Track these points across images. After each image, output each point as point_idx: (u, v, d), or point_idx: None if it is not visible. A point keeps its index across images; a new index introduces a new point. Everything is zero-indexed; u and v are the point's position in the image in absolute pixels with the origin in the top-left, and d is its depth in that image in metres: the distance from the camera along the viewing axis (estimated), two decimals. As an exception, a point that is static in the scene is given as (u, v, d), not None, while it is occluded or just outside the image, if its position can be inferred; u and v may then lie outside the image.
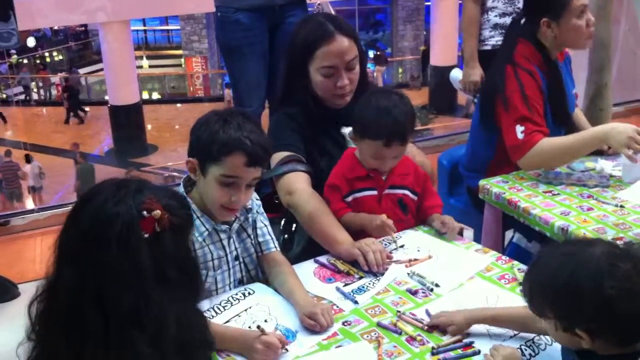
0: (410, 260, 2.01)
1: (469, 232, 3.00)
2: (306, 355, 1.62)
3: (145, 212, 1.21)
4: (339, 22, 2.28)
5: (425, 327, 1.70)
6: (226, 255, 1.91)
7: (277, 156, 2.24)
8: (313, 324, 1.69)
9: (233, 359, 1.61)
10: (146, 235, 1.20)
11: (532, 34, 2.61)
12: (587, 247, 1.36)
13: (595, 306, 1.29)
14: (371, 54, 21.77)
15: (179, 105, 19.28)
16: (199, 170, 1.83)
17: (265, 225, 2.01)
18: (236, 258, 1.94)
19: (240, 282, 1.96)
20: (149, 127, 15.54)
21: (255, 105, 3.41)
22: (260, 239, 1.98)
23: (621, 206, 2.25)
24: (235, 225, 1.93)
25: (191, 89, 19.99)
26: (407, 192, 2.23)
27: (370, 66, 21.35)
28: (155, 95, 20.32)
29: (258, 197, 2.04)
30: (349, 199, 2.18)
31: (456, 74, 3.50)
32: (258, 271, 2.00)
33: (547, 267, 1.39)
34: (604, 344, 1.33)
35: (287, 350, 1.62)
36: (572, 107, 2.80)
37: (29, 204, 12.04)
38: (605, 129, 2.42)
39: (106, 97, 15.84)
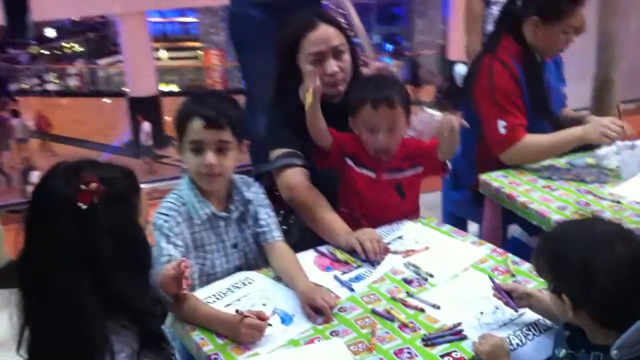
0: (407, 251, 2.07)
1: (473, 227, 3.05)
2: (280, 348, 1.67)
3: (82, 186, 1.32)
4: (323, 13, 2.39)
5: (422, 317, 1.76)
6: (223, 241, 1.99)
7: (275, 153, 2.32)
8: (312, 315, 1.77)
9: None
10: (83, 207, 1.31)
11: (518, 28, 2.67)
12: (599, 223, 1.47)
13: (578, 274, 1.36)
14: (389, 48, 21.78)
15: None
16: (180, 147, 1.97)
17: (270, 216, 2.07)
18: (234, 246, 2.02)
19: (239, 269, 2.03)
20: (167, 119, 15.66)
21: (265, 98, 3.46)
22: (265, 229, 2.04)
23: (618, 202, 2.30)
24: (235, 214, 2.01)
25: (209, 81, 20.11)
26: (409, 172, 2.25)
27: (387, 60, 21.36)
28: (174, 88, 20.46)
29: (263, 191, 2.11)
30: (350, 162, 2.23)
31: (460, 69, 3.54)
32: (258, 260, 2.07)
33: (556, 232, 1.50)
34: (587, 319, 1.40)
35: (270, 324, 1.70)
36: (559, 104, 2.86)
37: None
38: (583, 126, 2.57)
39: (125, 89, 15.98)
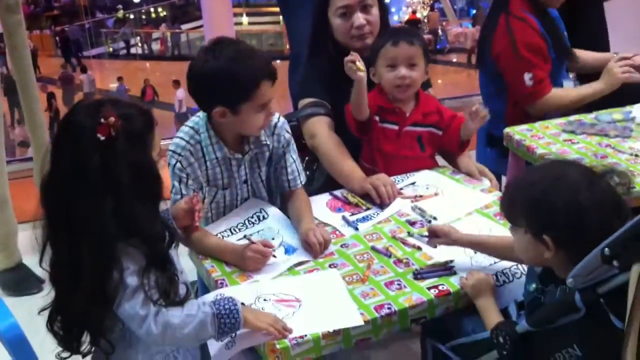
0: (416, 197, 2.17)
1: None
2: (280, 276, 1.81)
3: (102, 119, 1.46)
4: None
5: (418, 254, 1.87)
6: (234, 178, 2.10)
7: (302, 102, 2.46)
8: (309, 250, 1.90)
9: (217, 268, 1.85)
10: (102, 139, 1.45)
11: None
12: (567, 166, 1.53)
13: (567, 214, 1.42)
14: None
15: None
16: (229, 113, 1.96)
17: (294, 161, 2.18)
18: (245, 182, 2.13)
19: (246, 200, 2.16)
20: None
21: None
22: (290, 177, 2.15)
23: (636, 155, 2.32)
24: (247, 157, 2.10)
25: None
26: (429, 129, 2.34)
27: (468, 25, 21.01)
28: (254, 52, 20.71)
29: (289, 131, 2.18)
30: (376, 117, 2.32)
31: None
32: (264, 197, 2.18)
33: (528, 180, 1.55)
34: (565, 258, 1.45)
35: (275, 256, 1.85)
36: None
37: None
38: (601, 81, 2.69)
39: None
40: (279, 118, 2.15)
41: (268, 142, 2.13)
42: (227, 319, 1.53)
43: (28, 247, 2.94)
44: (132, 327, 1.52)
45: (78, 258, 1.49)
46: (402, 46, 2.26)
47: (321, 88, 2.47)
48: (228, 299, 1.57)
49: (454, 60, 19.48)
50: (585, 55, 2.99)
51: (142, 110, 1.58)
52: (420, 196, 2.18)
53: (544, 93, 2.71)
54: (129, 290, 1.49)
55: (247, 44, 2.05)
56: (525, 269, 1.77)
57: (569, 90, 2.76)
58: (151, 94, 16.37)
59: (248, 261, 1.82)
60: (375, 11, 2.43)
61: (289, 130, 2.18)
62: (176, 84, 14.91)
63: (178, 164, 1.99)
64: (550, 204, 1.45)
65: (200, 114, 2.06)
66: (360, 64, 2.15)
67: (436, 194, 2.19)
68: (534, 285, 1.56)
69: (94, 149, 1.46)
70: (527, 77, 2.70)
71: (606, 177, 1.47)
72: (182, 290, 1.58)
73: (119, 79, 16.56)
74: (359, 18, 2.39)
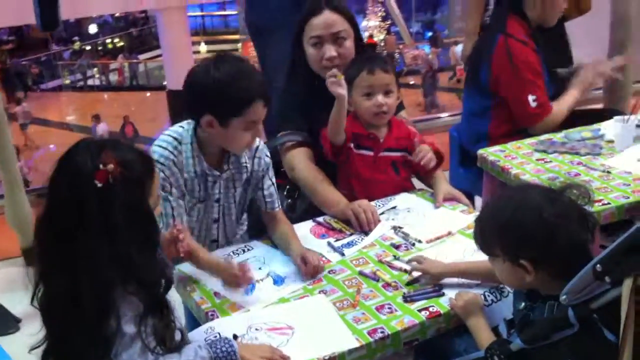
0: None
1: (479, 202, 3.14)
2: (271, 305, 1.82)
3: (101, 165, 1.43)
4: (332, 1, 2.46)
5: (405, 277, 1.89)
6: (208, 194, 2.12)
7: (280, 133, 2.49)
8: (304, 267, 1.92)
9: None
10: (99, 185, 1.42)
11: (520, 8, 2.86)
12: (527, 189, 1.59)
13: (537, 233, 1.46)
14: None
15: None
16: (217, 124, 1.98)
17: (273, 184, 2.21)
18: (217, 201, 2.15)
19: (215, 222, 2.19)
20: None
21: (281, 82, 3.58)
22: (268, 199, 2.19)
23: (608, 172, 2.38)
24: (225, 175, 2.12)
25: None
26: (403, 153, 2.38)
27: (425, 48, 21.31)
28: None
29: (269, 155, 2.21)
30: (351, 144, 2.35)
31: (460, 49, 3.65)
32: (233, 216, 2.22)
33: (492, 209, 1.60)
34: (545, 277, 1.49)
35: (257, 281, 1.90)
36: None
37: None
38: (575, 89, 2.93)
39: (165, 83, 16.29)
40: (259, 142, 2.18)
41: (247, 165, 2.15)
42: None
43: (3, 286, 2.89)
44: None
45: (74, 298, 1.46)
46: (378, 74, 2.30)
47: (299, 116, 2.50)
48: (224, 340, 1.56)
49: (412, 82, 19.73)
50: None
51: (144, 157, 1.56)
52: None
53: (546, 114, 2.84)
54: (126, 338, 1.45)
55: (250, 64, 2.10)
56: (513, 287, 1.81)
57: (559, 104, 2.88)
58: (131, 130, 15.81)
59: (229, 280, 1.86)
60: (348, 44, 2.44)
61: (269, 155, 2.21)
62: (96, 118, 14.59)
63: (161, 173, 1.97)
64: (519, 228, 1.49)
65: (185, 124, 2.08)
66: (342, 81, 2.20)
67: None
68: (522, 304, 1.59)
69: (91, 193, 1.43)
70: (531, 98, 2.81)
71: (566, 192, 1.52)
72: (177, 336, 1.56)
73: (96, 117, 15.83)
74: (330, 50, 2.42)
